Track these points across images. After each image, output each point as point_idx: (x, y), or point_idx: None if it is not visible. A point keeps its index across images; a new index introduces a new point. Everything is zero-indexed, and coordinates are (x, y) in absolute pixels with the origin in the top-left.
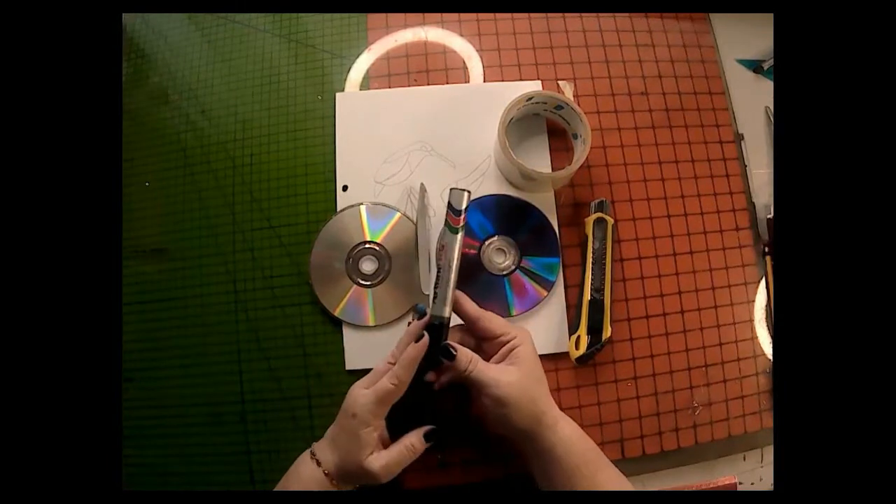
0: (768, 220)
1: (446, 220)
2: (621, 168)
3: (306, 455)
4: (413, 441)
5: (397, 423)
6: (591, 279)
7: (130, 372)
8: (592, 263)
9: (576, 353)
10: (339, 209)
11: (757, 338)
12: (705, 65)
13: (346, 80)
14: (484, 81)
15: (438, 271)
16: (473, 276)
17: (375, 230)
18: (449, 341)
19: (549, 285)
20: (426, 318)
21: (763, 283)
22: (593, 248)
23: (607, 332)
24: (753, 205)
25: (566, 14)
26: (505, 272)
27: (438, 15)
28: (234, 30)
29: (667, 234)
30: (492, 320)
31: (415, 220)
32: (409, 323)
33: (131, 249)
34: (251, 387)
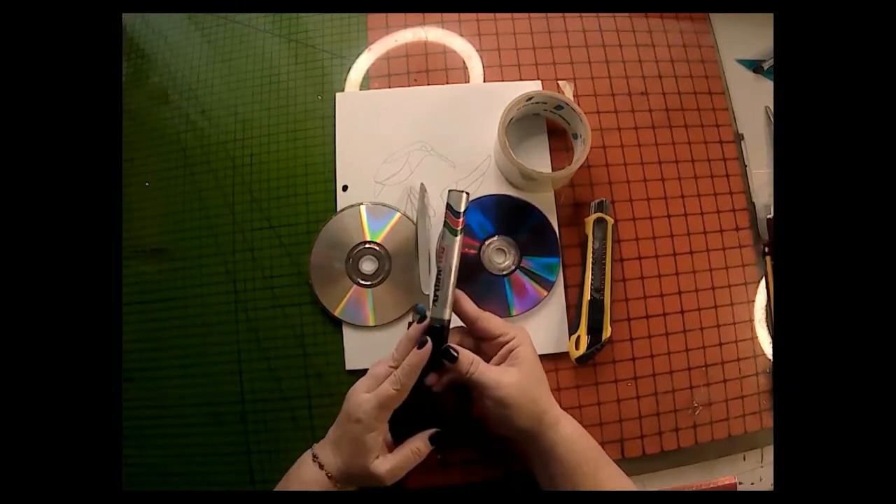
0: (768, 220)
1: (445, 221)
2: (621, 168)
3: (307, 457)
4: (418, 444)
5: (398, 424)
6: (591, 279)
7: (130, 372)
8: (592, 263)
9: (576, 353)
10: (339, 209)
11: (757, 338)
12: (705, 65)
13: (346, 80)
14: (484, 81)
15: (438, 273)
16: (473, 276)
17: (375, 230)
18: (450, 343)
19: (549, 285)
20: (426, 322)
21: (763, 283)
22: (593, 248)
23: (607, 332)
24: (753, 205)
25: (566, 14)
26: (505, 272)
27: (438, 15)
28: (234, 30)
29: (667, 234)
30: (490, 320)
31: (415, 220)
32: (410, 324)
33: (131, 249)
34: (251, 387)
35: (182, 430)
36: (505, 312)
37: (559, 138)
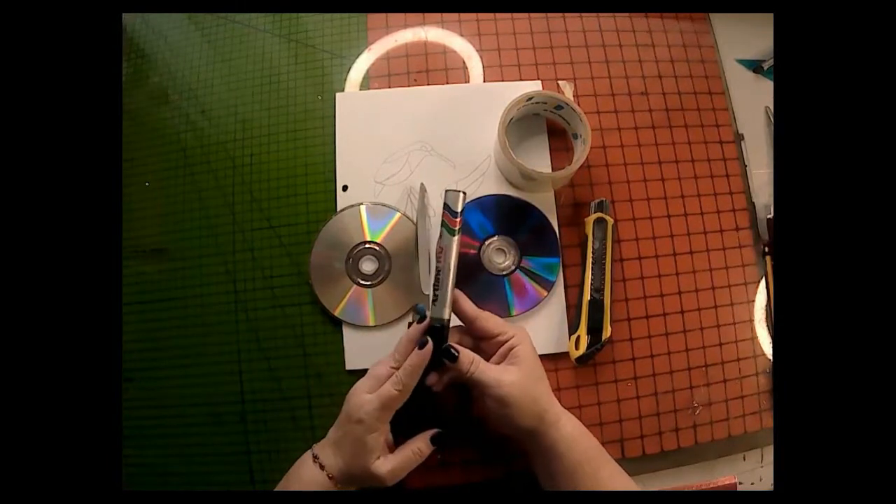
0: (768, 220)
1: (443, 221)
2: (621, 168)
3: (308, 458)
4: (420, 445)
5: (399, 424)
6: (591, 279)
7: (130, 372)
8: (592, 263)
9: (576, 353)
10: (339, 209)
11: (757, 338)
12: (705, 65)
13: (346, 80)
14: (484, 81)
15: (437, 273)
16: (473, 276)
17: (375, 230)
18: (450, 343)
19: (549, 285)
20: (426, 322)
21: (763, 283)
22: (593, 248)
23: (607, 332)
24: (753, 205)
25: (566, 14)
26: (505, 272)
27: (438, 15)
28: (234, 30)
29: (667, 234)
30: (488, 320)
31: (415, 220)
32: (410, 324)
33: (131, 249)
34: (251, 387)
35: (182, 430)
36: (505, 312)
37: (559, 138)
